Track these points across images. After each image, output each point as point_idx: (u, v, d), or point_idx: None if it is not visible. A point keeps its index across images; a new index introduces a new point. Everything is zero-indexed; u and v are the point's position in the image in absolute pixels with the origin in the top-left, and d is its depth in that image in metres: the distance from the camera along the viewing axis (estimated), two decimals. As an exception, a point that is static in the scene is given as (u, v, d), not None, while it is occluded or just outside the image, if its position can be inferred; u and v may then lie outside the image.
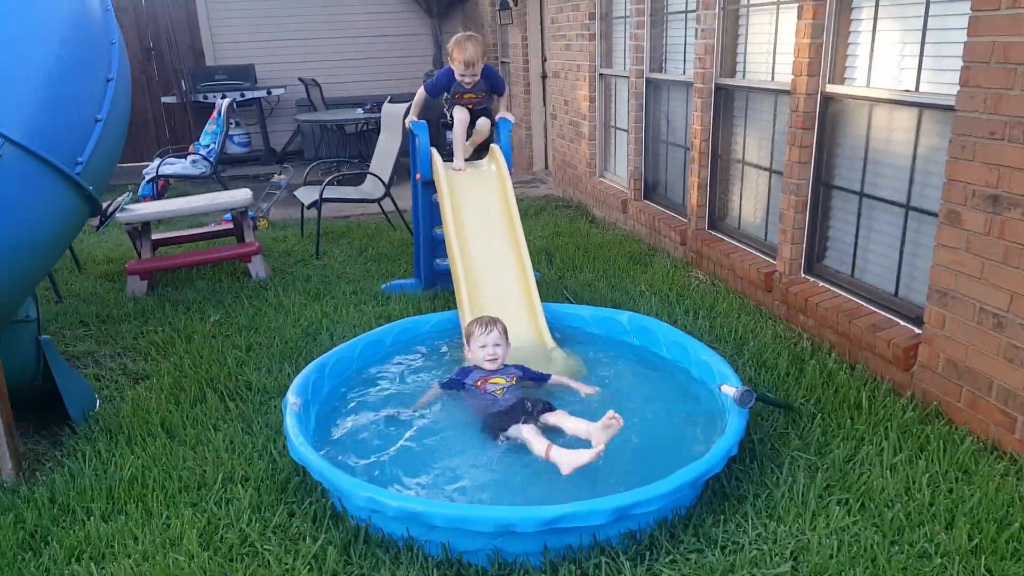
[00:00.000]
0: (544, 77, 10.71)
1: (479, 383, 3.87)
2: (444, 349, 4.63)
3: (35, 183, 3.29)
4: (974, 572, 2.74)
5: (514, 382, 3.89)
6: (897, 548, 2.88)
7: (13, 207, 3.24)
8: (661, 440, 3.59)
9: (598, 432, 3.14)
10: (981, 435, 3.61)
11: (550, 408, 3.54)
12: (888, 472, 3.33)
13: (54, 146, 3.36)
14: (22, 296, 3.59)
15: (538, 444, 3.26)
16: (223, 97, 10.79)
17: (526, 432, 3.34)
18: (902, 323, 4.28)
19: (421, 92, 5.43)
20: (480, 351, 3.94)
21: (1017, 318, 3.38)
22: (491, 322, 4.00)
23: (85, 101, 3.59)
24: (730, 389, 3.49)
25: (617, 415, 3.11)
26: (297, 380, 3.84)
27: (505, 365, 4.00)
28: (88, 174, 3.57)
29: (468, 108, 5.40)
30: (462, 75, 5.22)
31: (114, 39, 3.84)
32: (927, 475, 3.29)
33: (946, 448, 3.49)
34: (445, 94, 5.47)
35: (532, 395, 3.76)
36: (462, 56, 5.14)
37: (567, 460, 3.10)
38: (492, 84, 5.44)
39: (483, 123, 5.51)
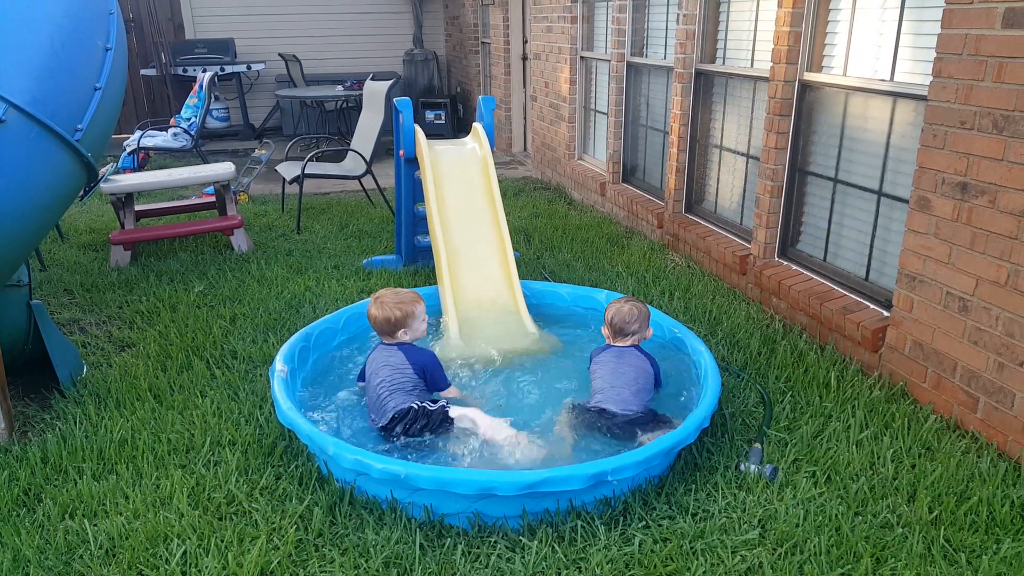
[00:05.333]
0: (525, 59, 10.76)
1: None
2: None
3: (37, 148, 3.34)
4: (933, 542, 2.87)
5: None
6: (861, 518, 3.01)
7: (16, 170, 3.29)
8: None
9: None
10: (945, 414, 3.76)
11: None
12: (854, 447, 3.46)
13: (55, 112, 3.41)
14: (23, 256, 3.64)
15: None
16: (204, 71, 10.75)
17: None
18: (871, 306, 4.41)
19: None
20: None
21: (982, 302, 3.52)
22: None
23: (85, 70, 3.63)
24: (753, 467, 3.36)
25: None
26: (284, 348, 3.92)
27: None
28: (87, 141, 3.62)
29: None
30: None
31: (112, 9, 3.88)
32: (891, 451, 3.43)
33: (910, 426, 3.64)
34: None
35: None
36: None
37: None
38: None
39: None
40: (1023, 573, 2.71)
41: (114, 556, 2.86)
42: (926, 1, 3.95)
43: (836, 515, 3.01)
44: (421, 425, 3.45)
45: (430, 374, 3.71)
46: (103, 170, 6.29)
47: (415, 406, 3.48)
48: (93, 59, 3.69)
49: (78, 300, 5.34)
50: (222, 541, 2.89)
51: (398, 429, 3.44)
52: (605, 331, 3.88)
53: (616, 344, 3.82)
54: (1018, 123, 3.24)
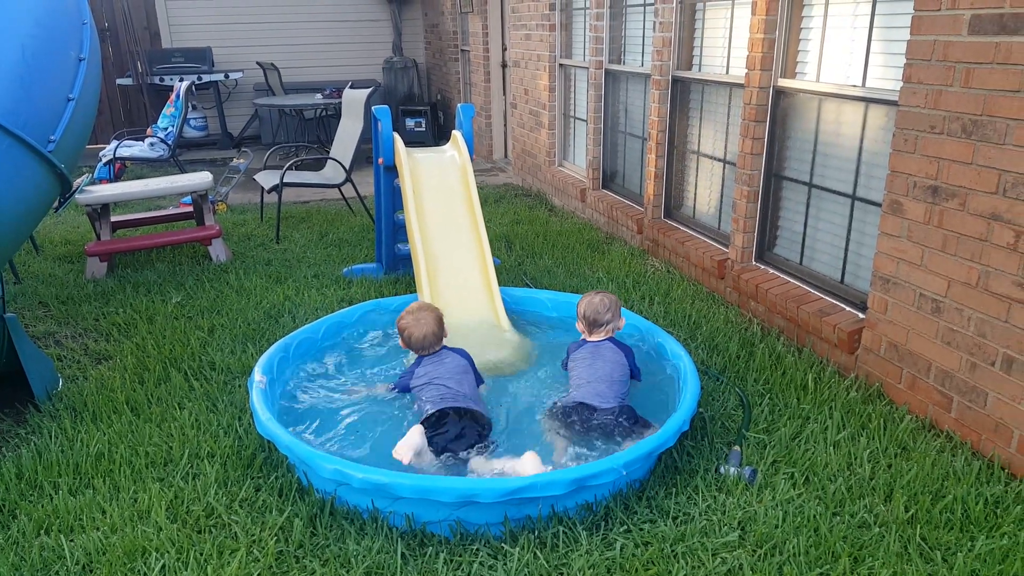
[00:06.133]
0: (504, 66, 10.78)
1: None
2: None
3: (9, 159, 3.30)
4: (910, 540, 2.90)
5: None
6: (839, 519, 3.03)
7: (-14, 182, 3.27)
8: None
9: None
10: (920, 414, 3.79)
11: None
12: (831, 448, 3.49)
13: (27, 123, 3.38)
14: (-4, 269, 3.62)
15: None
16: (181, 80, 10.70)
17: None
18: (847, 308, 4.45)
19: None
20: None
21: (954, 303, 3.56)
22: None
23: (58, 80, 3.61)
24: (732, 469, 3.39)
25: None
26: (262, 359, 3.90)
27: None
28: (60, 152, 3.60)
29: None
30: None
31: (86, 19, 3.86)
32: (868, 451, 3.46)
33: (886, 426, 3.67)
34: None
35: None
36: None
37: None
38: None
39: None
40: (997, 569, 2.74)
41: (91, 572, 2.83)
42: (896, 8, 4.00)
43: (814, 516, 3.03)
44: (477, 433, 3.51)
45: (474, 368, 3.93)
46: (78, 181, 6.25)
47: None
48: (66, 70, 3.67)
49: (53, 313, 5.30)
50: (201, 555, 2.87)
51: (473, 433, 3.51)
52: (580, 326, 3.99)
53: (592, 339, 3.92)
54: (985, 127, 3.28)
